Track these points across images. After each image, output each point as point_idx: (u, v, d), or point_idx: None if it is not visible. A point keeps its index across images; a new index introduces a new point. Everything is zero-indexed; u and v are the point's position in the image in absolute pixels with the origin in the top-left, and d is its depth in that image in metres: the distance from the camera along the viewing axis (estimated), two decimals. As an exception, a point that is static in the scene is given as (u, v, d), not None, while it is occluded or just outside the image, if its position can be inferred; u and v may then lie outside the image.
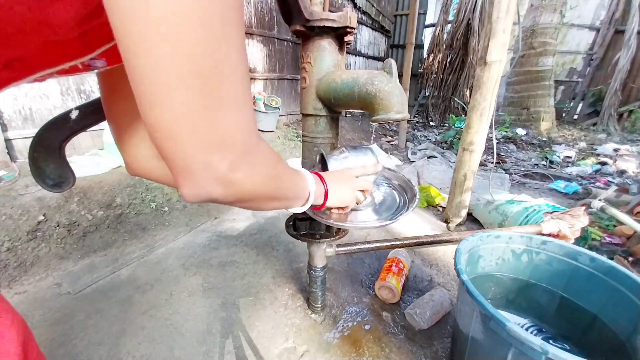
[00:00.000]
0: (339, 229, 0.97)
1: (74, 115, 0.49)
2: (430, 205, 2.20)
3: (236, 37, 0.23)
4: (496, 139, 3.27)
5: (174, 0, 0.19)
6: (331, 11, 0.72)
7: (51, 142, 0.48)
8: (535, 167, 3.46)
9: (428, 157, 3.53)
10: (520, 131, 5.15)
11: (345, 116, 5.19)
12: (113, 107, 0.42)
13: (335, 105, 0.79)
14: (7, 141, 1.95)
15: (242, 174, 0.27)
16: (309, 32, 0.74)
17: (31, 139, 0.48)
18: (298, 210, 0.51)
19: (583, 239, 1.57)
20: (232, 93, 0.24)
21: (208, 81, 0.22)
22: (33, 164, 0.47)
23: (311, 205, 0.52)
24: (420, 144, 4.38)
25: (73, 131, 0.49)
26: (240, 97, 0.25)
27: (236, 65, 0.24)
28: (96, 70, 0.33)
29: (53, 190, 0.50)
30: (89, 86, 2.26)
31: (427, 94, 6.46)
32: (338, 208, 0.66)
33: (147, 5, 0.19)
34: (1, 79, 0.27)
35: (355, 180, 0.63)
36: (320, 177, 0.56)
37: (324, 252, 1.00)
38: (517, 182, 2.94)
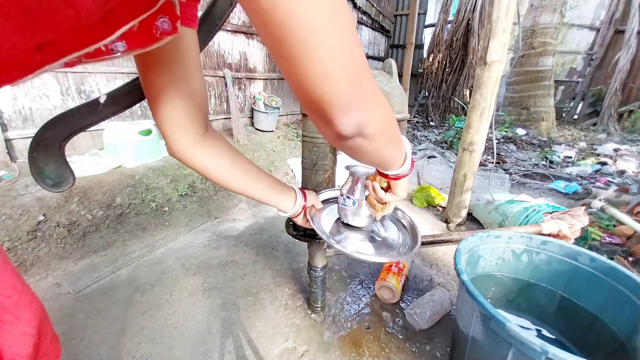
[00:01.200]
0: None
1: (102, 100, 0.52)
2: (430, 205, 2.20)
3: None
4: (496, 139, 3.27)
5: None
6: (331, 11, 0.72)
7: (51, 142, 0.48)
8: (535, 167, 3.46)
9: (428, 157, 3.53)
10: (520, 131, 5.15)
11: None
12: (151, 85, 0.46)
13: (335, 105, 0.79)
14: (7, 141, 1.95)
15: (372, 103, 0.33)
16: (309, 32, 0.73)
17: (31, 139, 0.49)
18: (394, 172, 0.54)
19: (583, 239, 1.57)
20: (354, 33, 0.29)
21: (343, 24, 0.27)
22: (33, 163, 0.48)
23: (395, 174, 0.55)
24: (420, 144, 4.38)
25: (73, 131, 0.50)
26: (357, 37, 0.30)
27: (348, 11, 0.28)
28: (119, 56, 0.34)
29: (52, 190, 0.50)
30: (88, 86, 2.26)
31: (427, 94, 6.46)
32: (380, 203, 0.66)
33: None
34: (35, 62, 0.28)
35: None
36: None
37: (324, 252, 1.00)
38: (517, 182, 2.94)
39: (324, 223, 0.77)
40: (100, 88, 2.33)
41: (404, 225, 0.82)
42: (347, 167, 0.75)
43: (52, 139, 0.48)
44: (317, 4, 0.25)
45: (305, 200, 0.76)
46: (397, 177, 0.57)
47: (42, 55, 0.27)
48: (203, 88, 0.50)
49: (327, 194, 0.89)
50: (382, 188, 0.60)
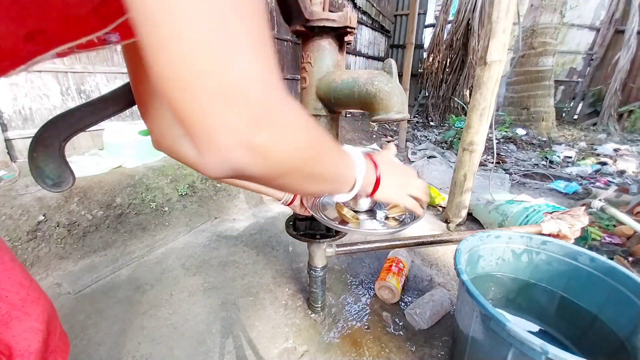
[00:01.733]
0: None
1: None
2: (430, 205, 2.20)
3: None
4: (496, 139, 3.27)
5: None
6: (331, 11, 0.72)
7: (51, 142, 0.48)
8: (535, 167, 3.46)
9: (428, 157, 3.53)
10: (520, 131, 5.15)
11: (345, 116, 5.19)
12: (139, 85, 0.44)
13: (335, 105, 0.79)
14: (7, 141, 1.95)
15: (267, 135, 0.23)
16: (309, 32, 0.74)
17: (31, 139, 0.49)
18: (343, 198, 0.44)
19: (583, 239, 1.57)
20: (245, 30, 0.20)
21: (217, 14, 0.19)
22: (32, 163, 0.48)
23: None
24: (420, 144, 4.38)
25: (73, 131, 0.50)
26: (258, 38, 0.21)
27: (256, 10, 0.21)
28: (111, 45, 0.33)
29: (52, 190, 0.50)
30: (89, 86, 2.26)
31: (427, 94, 6.46)
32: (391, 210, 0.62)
33: None
34: (26, 52, 0.27)
35: (411, 180, 0.53)
36: (374, 161, 0.47)
37: (324, 252, 1.00)
38: (517, 182, 2.94)
39: (324, 210, 0.77)
40: (101, 88, 2.33)
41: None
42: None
43: (52, 139, 0.48)
44: None
45: None
46: (370, 194, 0.47)
47: (33, 45, 0.26)
48: None
49: None
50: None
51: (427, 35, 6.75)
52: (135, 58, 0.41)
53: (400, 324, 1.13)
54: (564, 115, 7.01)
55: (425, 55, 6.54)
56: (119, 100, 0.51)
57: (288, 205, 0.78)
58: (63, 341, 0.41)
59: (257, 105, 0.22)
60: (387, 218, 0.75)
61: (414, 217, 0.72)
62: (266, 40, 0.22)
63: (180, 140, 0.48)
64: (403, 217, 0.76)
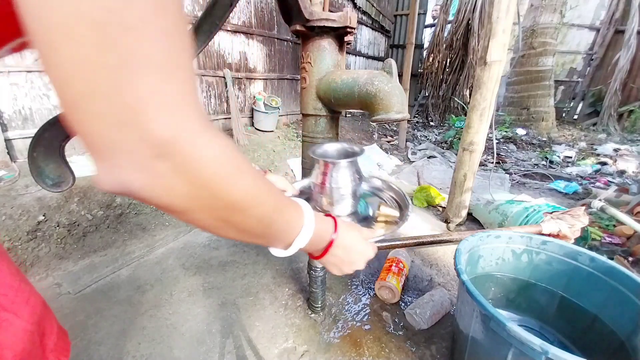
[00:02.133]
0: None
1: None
2: (430, 205, 2.20)
3: None
4: (496, 139, 3.27)
5: None
6: (331, 11, 0.72)
7: (51, 142, 0.48)
8: (535, 167, 3.46)
9: (428, 157, 3.53)
10: (520, 131, 5.15)
11: (345, 116, 5.19)
12: None
13: (335, 105, 0.79)
14: (7, 141, 1.95)
15: (166, 166, 0.21)
16: (309, 32, 0.74)
17: (31, 139, 0.49)
18: (278, 253, 0.40)
19: (583, 239, 1.56)
20: (147, 50, 0.18)
21: (106, 31, 0.17)
22: (32, 163, 0.48)
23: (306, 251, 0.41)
24: (420, 144, 4.38)
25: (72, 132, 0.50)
26: (163, 58, 0.19)
27: (153, 11, 0.18)
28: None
29: (52, 189, 0.50)
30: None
31: (427, 94, 6.46)
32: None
33: None
34: None
35: (359, 262, 0.46)
36: (334, 220, 0.42)
37: (324, 252, 1.00)
38: (517, 182, 2.94)
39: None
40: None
41: (390, 197, 0.82)
42: (311, 153, 0.69)
43: (52, 139, 0.48)
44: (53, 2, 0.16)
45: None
46: (312, 255, 0.43)
47: None
48: None
49: (301, 184, 0.84)
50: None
51: (427, 35, 6.74)
52: None
53: (400, 324, 1.13)
54: (564, 115, 7.00)
55: (425, 55, 6.54)
56: None
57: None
58: (63, 340, 0.41)
59: (158, 132, 0.19)
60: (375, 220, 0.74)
61: (405, 217, 0.71)
62: (176, 54, 0.20)
63: None
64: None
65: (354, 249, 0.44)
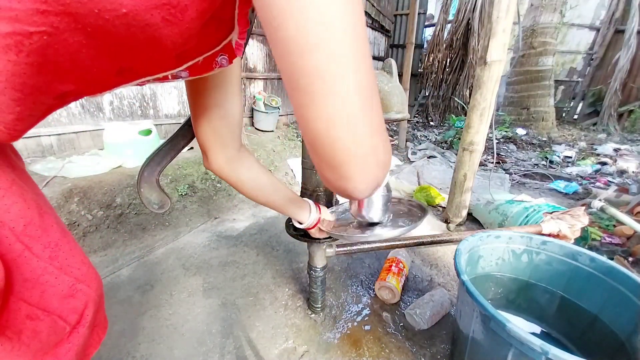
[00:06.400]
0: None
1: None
2: (430, 205, 2.20)
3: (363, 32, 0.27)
4: (496, 139, 3.27)
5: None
6: (331, 11, 0.72)
7: (150, 178, 0.64)
8: (535, 167, 3.46)
9: (428, 157, 3.53)
10: (520, 131, 5.15)
11: (345, 116, 5.17)
12: (197, 112, 0.52)
13: (335, 106, 0.79)
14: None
15: (388, 156, 0.31)
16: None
17: (137, 176, 0.65)
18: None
19: (583, 239, 1.56)
20: (373, 84, 0.27)
21: (365, 73, 0.25)
22: (141, 195, 0.64)
23: None
24: (420, 144, 4.38)
25: (162, 167, 0.65)
26: (380, 121, 0.29)
27: (369, 57, 0.27)
28: (180, 79, 0.40)
29: (158, 211, 0.67)
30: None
31: (427, 94, 6.46)
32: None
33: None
34: (114, 83, 0.35)
35: None
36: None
37: (324, 252, 1.00)
38: (517, 182, 2.94)
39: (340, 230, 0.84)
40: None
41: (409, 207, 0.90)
42: None
43: (150, 176, 0.64)
44: (345, 29, 0.23)
45: (319, 213, 0.82)
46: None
47: (121, 78, 0.34)
48: (241, 109, 0.55)
49: (339, 209, 0.97)
50: None
51: (427, 35, 6.74)
52: (197, 89, 0.49)
53: (400, 324, 1.13)
54: (564, 115, 7.00)
55: (425, 54, 6.54)
56: (187, 133, 0.63)
57: (308, 229, 0.85)
58: (104, 318, 0.48)
59: (385, 134, 0.30)
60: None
61: (422, 216, 0.77)
62: (381, 113, 0.29)
63: (232, 164, 0.59)
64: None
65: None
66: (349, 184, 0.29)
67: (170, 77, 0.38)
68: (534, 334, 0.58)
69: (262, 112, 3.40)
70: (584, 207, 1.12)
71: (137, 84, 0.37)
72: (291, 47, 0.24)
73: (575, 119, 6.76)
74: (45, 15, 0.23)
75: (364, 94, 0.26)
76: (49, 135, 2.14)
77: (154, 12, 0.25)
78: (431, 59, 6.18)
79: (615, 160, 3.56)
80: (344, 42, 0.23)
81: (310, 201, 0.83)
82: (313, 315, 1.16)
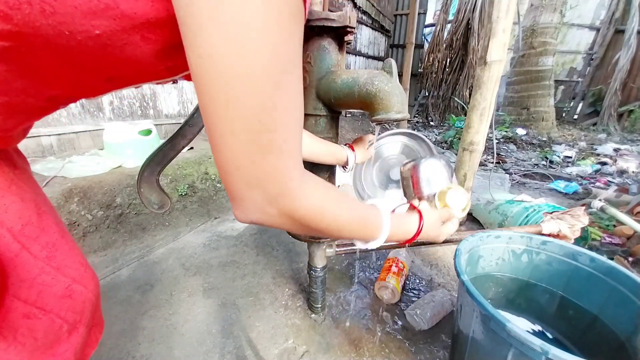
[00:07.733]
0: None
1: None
2: (430, 205, 2.20)
3: (289, 100, 0.29)
4: (496, 139, 3.27)
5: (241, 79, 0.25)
6: (331, 11, 0.72)
7: (150, 178, 0.64)
8: (535, 167, 3.46)
9: (428, 157, 3.52)
10: (520, 131, 5.15)
11: (345, 116, 5.18)
12: None
13: (335, 105, 0.79)
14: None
15: (277, 210, 0.33)
16: (309, 32, 0.73)
17: (137, 176, 0.66)
18: (372, 245, 0.51)
19: (583, 239, 1.56)
20: (274, 145, 0.29)
21: (253, 136, 0.28)
22: (141, 195, 0.64)
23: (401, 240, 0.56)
24: (420, 143, 4.38)
25: (162, 167, 0.65)
26: (282, 147, 0.30)
27: (284, 123, 0.29)
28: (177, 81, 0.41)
29: (158, 211, 0.67)
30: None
31: (427, 94, 6.46)
32: None
33: (218, 74, 0.25)
34: (104, 89, 0.35)
35: (443, 235, 0.64)
36: (420, 214, 0.57)
37: (324, 252, 1.00)
38: (517, 182, 2.94)
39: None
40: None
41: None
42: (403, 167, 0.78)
43: (150, 176, 0.64)
44: (226, 118, 0.27)
45: (353, 151, 0.89)
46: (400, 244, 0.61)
47: (111, 84, 0.34)
48: None
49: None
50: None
51: (427, 35, 6.74)
52: None
53: (401, 324, 1.13)
54: (564, 115, 7.01)
55: (425, 55, 6.54)
56: (188, 133, 0.63)
57: (344, 166, 0.90)
58: (101, 319, 0.49)
59: (272, 192, 0.31)
60: None
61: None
62: (290, 142, 0.30)
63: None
64: None
65: (436, 232, 0.61)
66: (234, 211, 0.34)
67: (171, 82, 0.38)
68: (534, 333, 0.58)
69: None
70: (584, 207, 1.12)
71: (134, 87, 0.38)
72: (198, 97, 0.27)
73: (575, 119, 6.76)
74: (12, 34, 0.23)
75: (242, 156, 0.28)
76: (49, 135, 2.14)
77: (131, 32, 0.26)
78: (431, 59, 6.18)
79: (615, 160, 3.56)
80: (227, 115, 0.27)
81: (346, 147, 0.88)
82: (313, 315, 1.16)
